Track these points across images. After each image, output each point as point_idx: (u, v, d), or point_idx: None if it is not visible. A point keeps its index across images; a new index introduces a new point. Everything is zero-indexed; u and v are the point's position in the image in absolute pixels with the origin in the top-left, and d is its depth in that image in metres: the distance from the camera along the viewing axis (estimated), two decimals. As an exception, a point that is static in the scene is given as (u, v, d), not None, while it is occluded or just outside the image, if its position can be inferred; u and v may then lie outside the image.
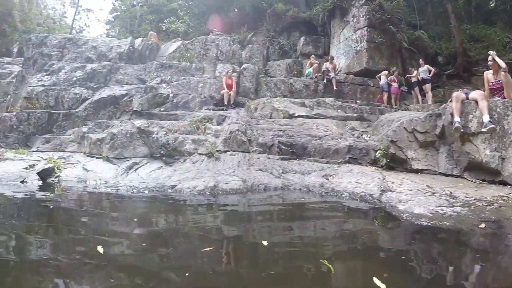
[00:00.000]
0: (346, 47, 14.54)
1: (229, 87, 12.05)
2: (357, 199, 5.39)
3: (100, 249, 3.02)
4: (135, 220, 4.33)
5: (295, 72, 15.16)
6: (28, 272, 2.60)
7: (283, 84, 13.31)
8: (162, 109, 10.96)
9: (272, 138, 8.52)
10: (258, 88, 13.37)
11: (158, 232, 3.95)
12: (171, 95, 11.50)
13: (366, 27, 13.54)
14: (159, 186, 6.51)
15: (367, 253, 3.16)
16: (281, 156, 8.07)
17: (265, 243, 3.25)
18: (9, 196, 5.71)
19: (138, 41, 16.31)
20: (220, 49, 15.89)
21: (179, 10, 24.51)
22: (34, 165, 8.05)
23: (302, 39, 16.52)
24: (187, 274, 2.57)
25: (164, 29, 22.03)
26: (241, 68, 13.66)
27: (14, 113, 11.30)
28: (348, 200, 5.41)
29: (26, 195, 5.86)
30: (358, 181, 6.00)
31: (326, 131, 9.08)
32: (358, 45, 13.77)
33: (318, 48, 16.31)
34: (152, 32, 18.31)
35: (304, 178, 6.77)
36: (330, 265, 2.67)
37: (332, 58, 14.14)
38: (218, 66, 13.84)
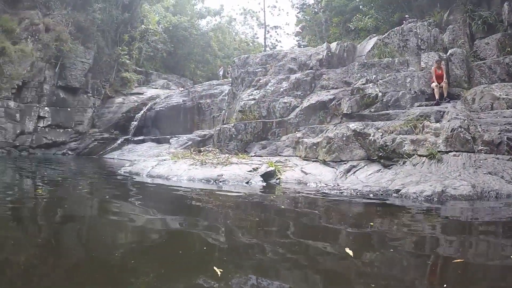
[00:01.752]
0: None
1: (439, 78, 11.01)
2: None
3: (348, 251, 3.08)
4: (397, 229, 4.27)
5: (509, 49, 12.70)
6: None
7: (498, 66, 11.37)
8: (372, 110, 10.82)
9: (499, 134, 7.41)
10: (470, 75, 11.81)
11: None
12: (380, 94, 11.25)
13: None
14: (383, 190, 6.43)
15: None
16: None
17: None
18: (239, 194, 6.50)
19: (333, 45, 16.62)
20: (420, 37, 14.68)
21: (361, 6, 24.01)
22: (257, 168, 8.97)
23: (505, 5, 13.56)
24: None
25: (353, 28, 21.90)
26: (447, 54, 12.31)
27: (232, 124, 12.99)
28: None
29: (252, 194, 6.53)
30: None
31: None
32: None
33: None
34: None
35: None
36: None
37: None
38: (422, 56, 12.87)
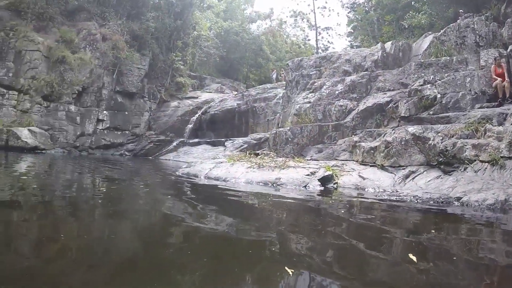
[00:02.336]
0: None
1: (501, 76, 10.60)
2: None
3: (412, 257, 3.24)
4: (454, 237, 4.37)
5: None
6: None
7: None
8: (431, 112, 10.66)
9: None
10: (535, 73, 11.29)
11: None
12: (438, 95, 11.08)
13: None
14: (444, 198, 6.46)
15: None
16: None
17: None
18: (298, 198, 6.78)
19: (388, 45, 16.38)
20: (478, 33, 14.08)
21: (413, 3, 23.34)
22: (314, 172, 9.19)
23: None
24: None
25: (406, 26, 21.42)
26: (508, 50, 11.76)
27: (288, 128, 13.24)
28: None
29: (311, 198, 6.80)
30: None
31: None
32: None
33: None
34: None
35: None
36: None
37: None
38: (481, 54, 12.38)
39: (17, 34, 19.74)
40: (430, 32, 17.73)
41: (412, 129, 8.99)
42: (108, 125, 22.70)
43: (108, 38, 22.59)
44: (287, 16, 56.41)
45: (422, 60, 13.79)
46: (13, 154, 15.52)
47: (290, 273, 2.81)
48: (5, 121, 18.70)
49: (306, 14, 47.34)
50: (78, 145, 21.18)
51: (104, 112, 22.56)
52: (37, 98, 19.76)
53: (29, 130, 18.45)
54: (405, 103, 11.20)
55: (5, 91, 19.31)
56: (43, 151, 18.60)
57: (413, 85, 12.06)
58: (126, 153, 23.05)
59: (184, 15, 28.28)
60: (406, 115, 10.91)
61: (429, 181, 7.52)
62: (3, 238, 3.45)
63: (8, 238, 3.46)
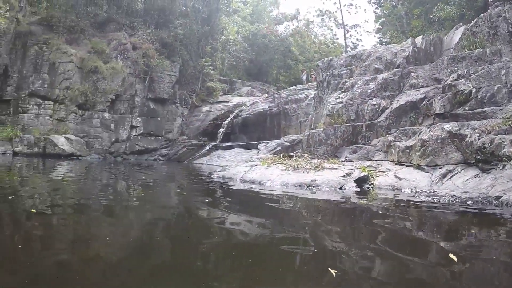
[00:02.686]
0: None
1: (536, 68, 10.31)
2: None
3: (452, 256, 3.31)
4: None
5: None
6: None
7: None
8: (466, 108, 10.47)
9: None
10: None
11: None
12: (473, 90, 10.87)
13: None
14: (483, 197, 6.42)
15: None
16: None
17: None
18: (335, 200, 6.89)
19: (418, 40, 16.13)
20: (510, 22, 13.54)
21: None
22: (350, 173, 9.24)
23: None
24: None
25: (435, 19, 20.93)
26: None
27: (321, 129, 13.30)
28: None
29: (348, 200, 6.88)
30: None
31: None
32: None
33: None
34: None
35: None
36: None
37: None
38: None
39: (50, 47, 20.88)
40: (460, 24, 17.28)
41: (448, 126, 8.86)
42: (141, 131, 23.50)
43: (138, 47, 23.43)
44: (313, 16, 56.34)
45: (455, 54, 13.42)
46: (50, 160, 16.25)
47: (334, 274, 2.91)
48: (42, 129, 19.84)
49: (333, 12, 47.05)
50: (113, 151, 22.08)
51: (138, 118, 23.38)
52: (72, 107, 20.82)
53: (65, 137, 19.43)
54: (440, 99, 11.02)
55: (41, 101, 20.48)
56: (79, 158, 19.50)
57: (447, 80, 11.84)
58: (160, 158, 23.76)
59: (211, 20, 28.84)
60: (441, 112, 10.72)
61: (466, 180, 7.45)
62: (47, 240, 3.64)
63: (51, 240, 3.65)
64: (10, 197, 5.57)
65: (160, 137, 24.50)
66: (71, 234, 3.94)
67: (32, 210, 4.58)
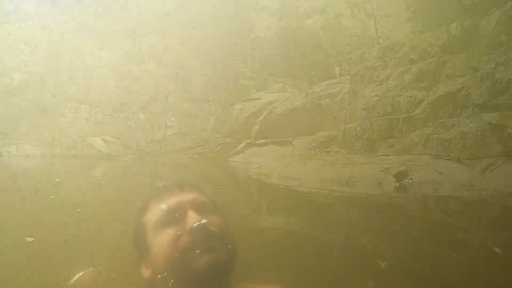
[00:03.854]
0: None
1: None
2: None
3: (496, 249, 3.39)
4: None
5: None
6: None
7: None
8: (506, 97, 10.17)
9: None
10: None
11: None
12: (513, 79, 10.61)
13: None
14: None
15: None
16: None
17: None
18: (376, 195, 6.95)
19: (452, 27, 15.66)
20: None
21: None
22: (388, 168, 9.29)
23: None
24: None
25: (469, 4, 20.27)
26: None
27: (357, 124, 13.32)
28: None
29: (387, 195, 6.98)
30: None
31: None
32: None
33: None
34: None
35: None
36: None
37: None
38: None
39: (84, 53, 21.81)
40: (495, 9, 16.74)
41: (487, 117, 8.72)
42: (176, 131, 24.19)
43: (170, 49, 24.07)
44: (342, 8, 55.26)
45: (491, 40, 13.08)
46: (88, 162, 16.92)
47: (383, 266, 3.01)
48: (79, 132, 20.74)
49: (362, 3, 46.19)
50: (148, 151, 22.83)
51: (172, 118, 24.13)
52: (108, 110, 21.70)
53: (102, 139, 20.32)
54: (478, 89, 10.69)
55: (77, 105, 21.57)
56: (116, 158, 20.22)
57: (485, 68, 11.46)
58: (195, 156, 24.26)
59: (240, 18, 29.15)
60: (480, 102, 10.34)
61: (509, 173, 7.36)
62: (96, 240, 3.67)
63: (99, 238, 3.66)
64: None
65: (194, 136, 25.08)
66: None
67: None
